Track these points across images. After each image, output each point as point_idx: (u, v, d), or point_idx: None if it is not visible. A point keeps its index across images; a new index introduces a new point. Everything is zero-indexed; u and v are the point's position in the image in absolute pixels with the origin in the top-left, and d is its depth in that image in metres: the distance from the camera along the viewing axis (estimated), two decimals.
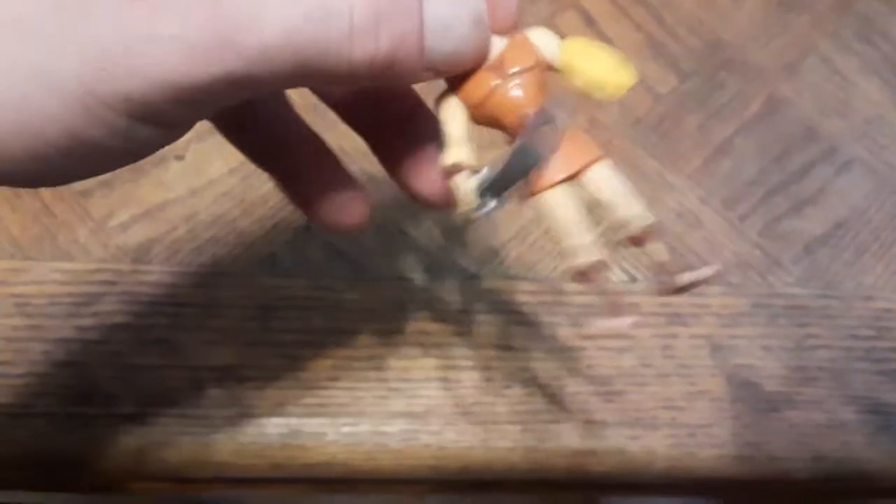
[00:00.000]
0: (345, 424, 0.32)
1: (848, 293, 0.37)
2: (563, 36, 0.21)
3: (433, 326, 0.35)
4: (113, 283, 0.34)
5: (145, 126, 0.18)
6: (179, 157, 0.37)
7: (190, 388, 0.33)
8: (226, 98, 0.18)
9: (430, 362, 0.34)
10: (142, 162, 0.34)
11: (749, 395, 0.34)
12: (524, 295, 0.36)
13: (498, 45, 0.21)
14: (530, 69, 0.20)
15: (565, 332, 0.35)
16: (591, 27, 0.43)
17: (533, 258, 0.37)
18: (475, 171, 0.21)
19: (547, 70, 0.21)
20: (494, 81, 0.20)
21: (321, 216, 0.25)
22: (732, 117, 0.41)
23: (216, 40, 0.17)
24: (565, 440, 0.33)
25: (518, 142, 0.20)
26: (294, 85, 0.20)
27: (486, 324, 0.35)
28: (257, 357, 0.33)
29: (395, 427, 0.33)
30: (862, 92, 0.42)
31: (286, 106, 0.26)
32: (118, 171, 0.36)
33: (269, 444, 0.32)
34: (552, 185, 0.20)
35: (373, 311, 0.35)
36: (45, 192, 0.36)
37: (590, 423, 0.33)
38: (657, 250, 0.21)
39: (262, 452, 0.32)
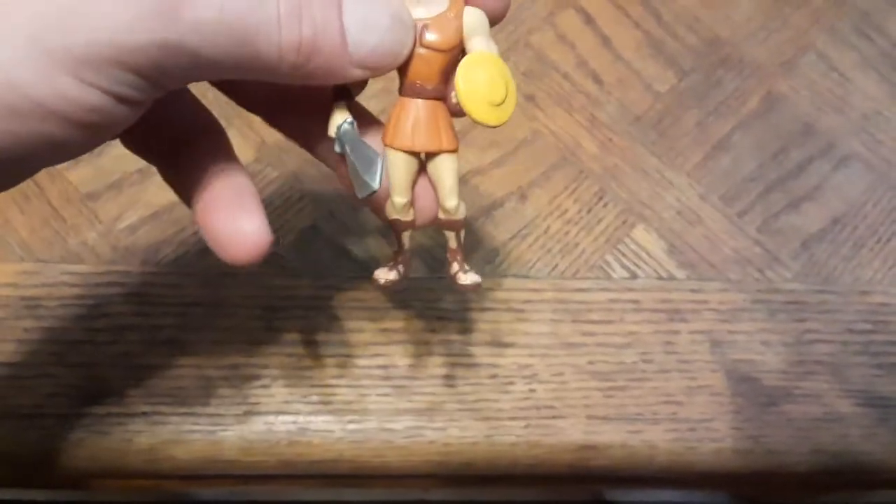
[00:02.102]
0: (351, 422, 0.33)
1: (846, 288, 0.38)
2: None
3: (436, 325, 0.35)
4: (122, 284, 0.35)
5: (91, 90, 0.18)
6: None
7: (198, 386, 0.33)
8: (166, 71, 0.19)
9: (435, 360, 0.34)
10: (149, 165, 0.35)
11: (748, 390, 0.35)
12: (525, 293, 0.36)
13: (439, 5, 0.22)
14: (443, 51, 0.22)
15: (567, 330, 0.35)
16: (590, 26, 0.43)
17: (533, 257, 0.37)
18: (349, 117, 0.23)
19: (458, 57, 0.23)
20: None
21: (211, 239, 0.25)
22: (731, 114, 0.41)
23: (157, 8, 0.18)
24: (568, 435, 0.33)
25: (372, 153, 0.23)
26: (234, 71, 0.20)
27: (488, 322, 0.35)
28: (264, 356, 0.34)
29: (400, 424, 0.33)
30: (859, 88, 0.43)
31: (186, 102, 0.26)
32: (125, 174, 0.37)
33: (276, 441, 0.33)
34: (398, 149, 0.23)
35: (377, 309, 0.35)
36: (54, 196, 0.36)
37: (592, 419, 0.34)
38: (450, 238, 0.25)
39: (270, 450, 0.33)
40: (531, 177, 0.39)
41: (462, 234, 0.25)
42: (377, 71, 0.22)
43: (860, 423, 0.35)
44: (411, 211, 0.24)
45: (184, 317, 0.34)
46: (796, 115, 0.42)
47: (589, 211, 0.38)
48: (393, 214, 0.24)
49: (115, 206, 0.36)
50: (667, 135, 0.41)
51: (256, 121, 0.36)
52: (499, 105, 0.23)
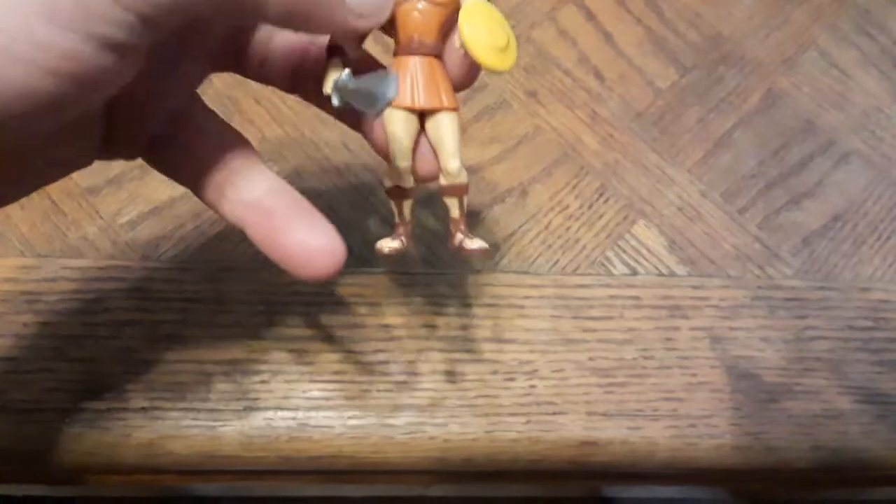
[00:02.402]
0: (351, 417, 0.33)
1: (846, 284, 0.38)
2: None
3: (437, 320, 0.35)
4: (122, 279, 0.34)
5: (64, 33, 0.17)
6: None
7: (198, 382, 0.33)
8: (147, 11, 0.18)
9: (435, 356, 0.34)
10: None
11: (749, 386, 0.35)
12: (526, 289, 0.36)
13: None
14: (443, 4, 0.22)
15: (567, 326, 0.35)
16: (592, 22, 0.43)
17: (534, 253, 0.37)
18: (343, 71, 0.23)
19: (455, 12, 0.23)
20: None
21: (283, 259, 0.24)
22: (732, 111, 0.41)
23: None
24: (568, 431, 0.33)
25: (382, 72, 0.22)
26: (220, 9, 0.19)
27: (488, 317, 0.35)
28: (264, 351, 0.34)
29: (400, 420, 0.33)
30: (860, 85, 0.43)
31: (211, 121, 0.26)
32: (126, 169, 0.37)
33: (276, 436, 0.33)
34: (397, 107, 0.23)
35: (377, 305, 0.35)
36: (54, 190, 0.36)
37: (592, 415, 0.34)
38: (452, 205, 0.24)
39: (270, 445, 0.32)
40: (532, 173, 0.39)
41: (465, 200, 0.24)
42: (370, 19, 0.21)
43: (860, 420, 0.35)
44: (412, 178, 0.24)
45: (184, 312, 0.34)
46: (797, 112, 0.42)
47: (590, 207, 0.38)
48: (394, 180, 0.24)
49: (116, 201, 0.36)
50: (668, 131, 0.41)
51: (256, 116, 0.36)
52: (503, 50, 0.22)
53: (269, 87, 0.27)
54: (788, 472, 0.34)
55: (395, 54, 0.23)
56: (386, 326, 0.35)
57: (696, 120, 0.41)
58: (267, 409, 0.33)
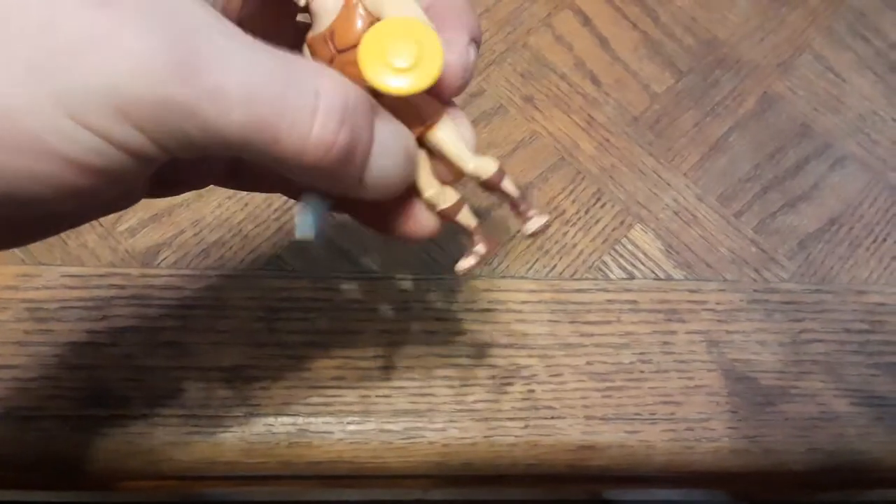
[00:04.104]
0: (351, 423, 0.33)
1: (842, 288, 0.38)
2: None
3: (435, 325, 0.35)
4: (122, 286, 0.35)
5: (89, 134, 0.17)
6: None
7: (199, 388, 0.33)
8: (169, 134, 0.17)
9: (433, 361, 0.35)
10: None
11: (745, 389, 0.35)
12: (523, 294, 0.36)
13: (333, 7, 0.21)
14: (354, 47, 0.20)
15: (565, 330, 0.36)
16: (587, 27, 0.43)
17: (531, 258, 0.37)
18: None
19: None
20: (329, 54, 0.21)
21: (390, 229, 0.24)
22: (728, 115, 0.42)
23: (171, 63, 0.17)
24: (566, 435, 0.34)
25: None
26: (243, 150, 0.18)
27: (486, 322, 0.36)
28: (264, 357, 0.34)
29: (399, 425, 0.33)
30: (855, 88, 0.43)
31: None
32: None
33: (277, 442, 0.33)
34: None
35: (376, 311, 0.35)
36: None
37: (590, 419, 0.34)
38: (508, 188, 0.23)
39: (270, 451, 0.33)
40: (529, 178, 0.39)
41: (507, 182, 0.23)
42: (379, 195, 0.21)
43: (856, 423, 0.35)
44: (448, 193, 0.23)
45: (184, 319, 0.34)
46: (793, 115, 0.42)
47: (587, 212, 0.39)
48: (437, 207, 0.23)
49: None
50: (664, 135, 0.41)
51: None
52: (406, 71, 0.20)
53: None
54: (786, 475, 0.35)
55: None
56: (384, 332, 0.35)
57: (692, 124, 0.41)
58: (267, 415, 0.33)
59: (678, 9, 0.44)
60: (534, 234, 0.24)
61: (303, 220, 0.21)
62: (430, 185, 0.22)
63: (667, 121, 0.41)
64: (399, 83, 0.20)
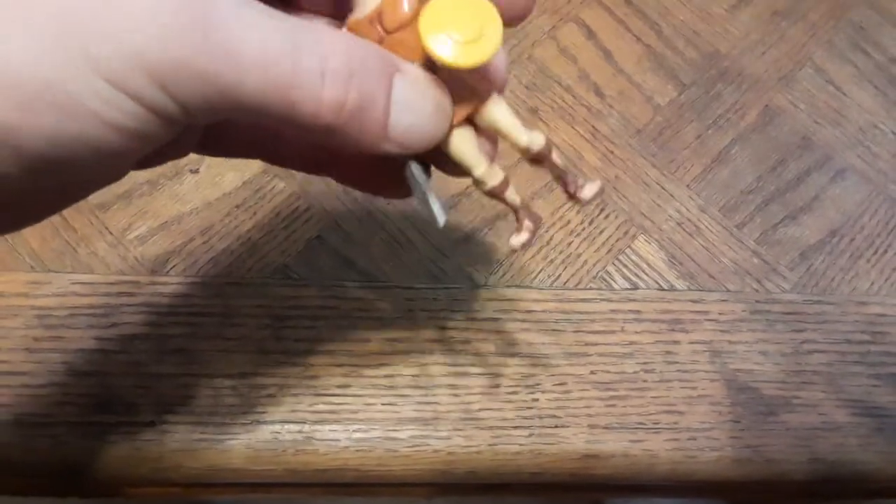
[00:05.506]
0: (356, 431, 0.33)
1: (843, 299, 0.38)
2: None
3: (441, 334, 0.36)
4: (131, 294, 0.35)
5: (122, 96, 0.18)
6: (194, 171, 0.38)
7: (207, 396, 0.34)
8: (191, 97, 0.18)
9: (439, 369, 0.35)
10: (157, 176, 0.36)
11: (748, 399, 0.35)
12: (528, 303, 0.37)
13: None
14: (404, 27, 0.21)
15: (569, 340, 0.36)
16: (592, 40, 0.44)
17: (536, 268, 0.38)
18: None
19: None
20: (378, 36, 0.21)
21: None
22: (730, 127, 0.42)
23: (187, 25, 0.17)
24: (570, 444, 0.34)
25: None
26: (264, 115, 0.19)
27: (491, 331, 0.36)
28: (271, 365, 0.34)
29: (405, 433, 0.34)
30: (856, 101, 0.43)
31: None
32: (135, 184, 0.37)
33: (283, 450, 0.33)
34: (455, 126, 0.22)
35: (382, 319, 0.36)
36: None
37: (594, 428, 0.34)
38: (557, 160, 0.24)
39: (276, 458, 0.33)
40: (534, 188, 0.39)
41: (555, 155, 0.24)
42: (408, 149, 0.21)
43: (857, 433, 0.35)
44: (497, 171, 0.23)
45: (192, 326, 0.35)
46: (794, 128, 0.43)
47: (591, 222, 0.39)
48: (485, 186, 0.23)
49: (125, 216, 0.37)
50: (667, 147, 0.41)
51: None
52: (471, 43, 0.20)
53: None
54: (787, 484, 0.35)
55: None
56: (390, 340, 0.35)
57: (695, 136, 0.42)
58: (274, 422, 0.33)
59: (681, 22, 0.45)
60: (591, 200, 0.24)
61: (438, 208, 0.22)
62: (479, 163, 0.23)
63: (670, 133, 0.42)
64: (462, 56, 0.20)
